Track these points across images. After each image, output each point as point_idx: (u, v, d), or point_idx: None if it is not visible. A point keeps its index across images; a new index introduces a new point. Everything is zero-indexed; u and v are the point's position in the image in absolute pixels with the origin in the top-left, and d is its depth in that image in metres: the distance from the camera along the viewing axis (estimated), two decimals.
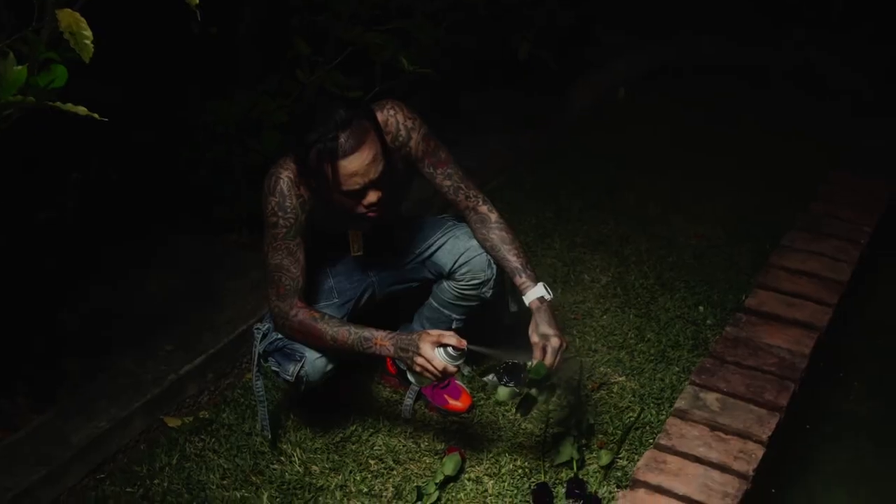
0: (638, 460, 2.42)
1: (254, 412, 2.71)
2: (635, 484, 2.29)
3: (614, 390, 2.87)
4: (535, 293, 2.40)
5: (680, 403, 2.53)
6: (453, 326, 2.65)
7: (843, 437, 2.80)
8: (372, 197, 2.20)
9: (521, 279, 2.42)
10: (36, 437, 2.52)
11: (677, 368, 2.96)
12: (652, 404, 2.81)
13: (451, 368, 2.22)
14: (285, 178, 2.26)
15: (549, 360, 2.31)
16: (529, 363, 2.35)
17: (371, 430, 2.69)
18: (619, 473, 2.55)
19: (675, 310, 3.25)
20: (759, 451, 2.36)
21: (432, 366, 2.20)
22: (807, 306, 2.91)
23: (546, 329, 2.36)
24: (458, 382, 2.81)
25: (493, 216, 2.49)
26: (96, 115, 1.93)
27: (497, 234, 2.47)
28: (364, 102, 2.33)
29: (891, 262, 3.54)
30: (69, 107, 1.93)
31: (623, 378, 2.92)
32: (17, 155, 2.69)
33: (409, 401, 2.75)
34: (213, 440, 2.65)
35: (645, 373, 2.94)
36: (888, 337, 3.18)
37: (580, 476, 2.51)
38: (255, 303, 3.06)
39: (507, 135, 4.28)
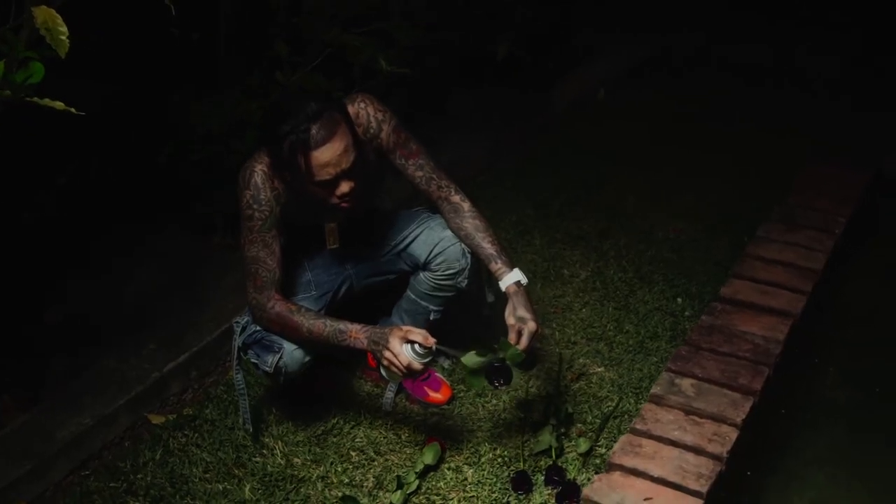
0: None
1: (236, 408, 2.74)
2: (611, 467, 2.32)
3: (593, 380, 2.91)
4: (511, 278, 2.44)
5: (656, 389, 2.57)
6: (431, 318, 2.69)
7: (819, 422, 2.83)
8: (344, 187, 2.23)
9: (497, 265, 2.46)
10: (21, 434, 2.56)
11: (655, 359, 2.99)
12: (630, 394, 2.84)
13: (416, 365, 2.25)
14: (259, 171, 2.30)
15: (523, 343, 2.35)
16: (501, 340, 2.37)
17: (352, 422, 2.73)
18: (597, 461, 2.58)
19: (653, 302, 3.29)
20: (733, 434, 2.39)
21: (398, 361, 2.24)
22: (781, 294, 2.96)
23: (523, 313, 2.40)
24: (438, 375, 2.85)
25: (466, 205, 2.53)
26: (73, 110, 1.98)
27: (471, 223, 2.51)
28: (334, 96, 2.37)
29: (865, 252, 3.58)
30: (46, 101, 1.97)
31: (602, 369, 2.96)
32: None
33: (390, 394, 2.78)
34: (196, 435, 2.68)
35: (623, 363, 2.98)
36: (861, 325, 3.21)
37: (559, 464, 2.55)
38: (238, 301, 3.08)
39: (492, 132, 4.32)
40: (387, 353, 2.24)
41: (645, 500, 2.21)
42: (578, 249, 3.62)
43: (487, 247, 2.49)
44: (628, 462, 2.32)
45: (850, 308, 3.31)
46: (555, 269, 3.48)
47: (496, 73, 4.31)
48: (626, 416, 2.76)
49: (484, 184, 4.02)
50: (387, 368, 2.32)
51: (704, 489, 2.22)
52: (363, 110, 2.37)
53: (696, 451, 2.34)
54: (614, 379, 2.91)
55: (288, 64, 3.23)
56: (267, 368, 2.40)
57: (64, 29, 1.88)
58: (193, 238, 3.44)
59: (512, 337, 2.38)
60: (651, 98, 4.85)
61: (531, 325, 2.38)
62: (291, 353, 2.40)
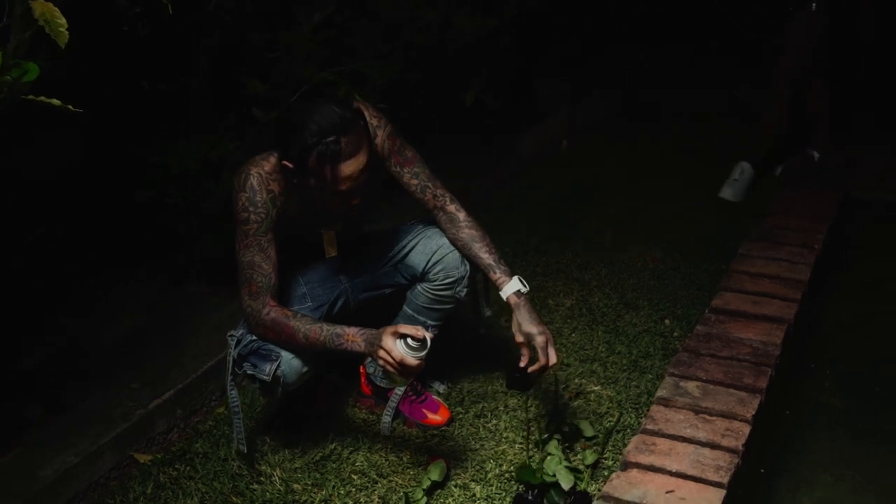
0: (612, 473, 2.38)
1: (228, 441, 2.64)
2: (627, 465, 2.27)
3: (591, 398, 2.86)
4: (511, 287, 2.41)
5: (661, 392, 2.53)
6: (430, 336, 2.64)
7: (821, 425, 2.82)
8: (360, 195, 2.24)
9: (496, 275, 2.43)
10: (3, 473, 2.42)
11: (651, 376, 2.96)
12: (630, 409, 2.79)
13: (410, 360, 2.16)
14: (255, 173, 2.27)
15: (542, 360, 2.33)
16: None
17: (350, 448, 2.63)
18: (605, 472, 2.51)
19: (641, 325, 3.28)
20: (746, 429, 2.36)
21: (391, 357, 2.16)
22: (772, 303, 2.97)
23: (528, 327, 2.37)
24: (435, 397, 2.78)
25: (462, 214, 2.51)
26: (70, 107, 1.93)
27: (467, 233, 2.49)
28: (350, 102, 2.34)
29: (842, 267, 3.63)
30: (42, 99, 1.93)
31: (599, 387, 2.91)
32: None
33: (387, 418, 2.70)
34: (187, 468, 2.56)
35: (620, 381, 2.94)
36: (851, 333, 3.24)
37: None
38: (221, 339, 2.97)
39: (461, 178, 4.33)
40: (380, 353, 2.17)
41: (667, 492, 2.14)
42: (560, 281, 3.60)
43: (485, 256, 2.47)
44: (644, 460, 2.26)
45: (837, 318, 3.33)
46: (539, 298, 3.45)
47: (465, 119, 4.35)
48: (628, 431, 2.70)
49: None
50: (384, 370, 2.23)
51: (725, 480, 2.17)
52: None
53: (712, 445, 2.30)
54: (612, 396, 2.86)
55: (265, 101, 3.21)
56: (265, 377, 2.31)
57: (63, 21, 1.85)
58: (171, 284, 3.35)
59: (523, 359, 2.38)
60: (615, 144, 4.93)
61: (540, 340, 2.35)
62: (290, 361, 2.32)
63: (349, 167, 2.16)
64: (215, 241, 3.27)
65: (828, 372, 3.04)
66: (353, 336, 2.23)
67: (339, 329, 2.24)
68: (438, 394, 2.86)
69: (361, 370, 2.82)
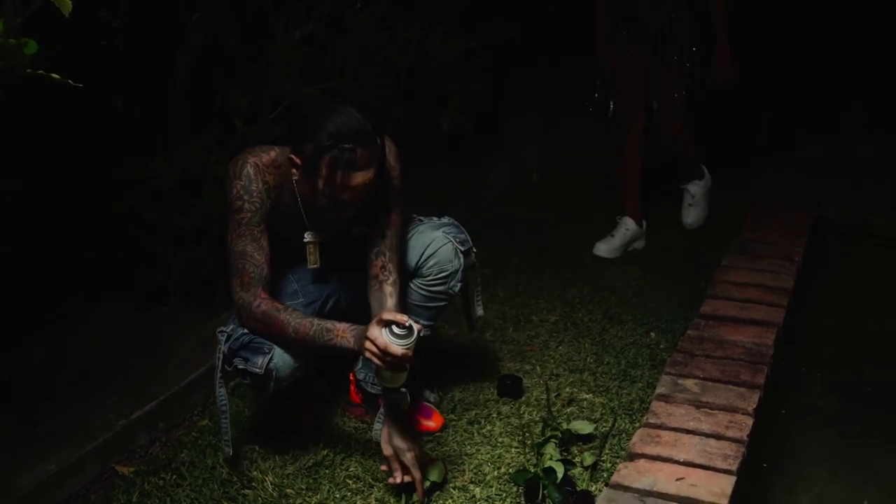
0: (619, 463, 2.34)
1: (215, 450, 2.55)
2: (633, 456, 2.23)
3: (584, 405, 2.82)
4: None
5: (660, 390, 2.51)
6: (422, 334, 2.57)
7: (812, 424, 2.80)
8: (354, 210, 2.21)
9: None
10: None
11: (641, 384, 2.93)
12: (623, 415, 2.75)
13: (395, 349, 2.06)
14: (252, 163, 2.23)
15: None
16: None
17: (343, 454, 2.55)
18: (604, 474, 2.46)
19: (627, 338, 3.26)
20: (748, 421, 2.34)
21: (376, 346, 2.07)
22: (760, 308, 2.98)
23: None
24: (426, 404, 2.72)
25: (393, 299, 2.37)
26: (70, 81, 1.88)
27: (384, 296, 2.37)
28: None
29: (819, 279, 3.67)
30: (42, 73, 1.87)
31: (590, 395, 2.88)
32: None
33: (378, 424, 2.61)
34: (174, 476, 2.46)
35: (611, 389, 2.90)
36: (834, 340, 3.25)
37: (567, 475, 2.42)
38: (202, 353, 2.92)
39: (433, 206, 4.31)
40: (367, 343, 2.08)
41: (678, 479, 2.10)
42: (543, 299, 3.58)
43: (391, 301, 2.36)
44: (650, 451, 2.23)
45: (818, 327, 3.33)
46: (523, 315, 3.43)
47: (440, 143, 4.35)
48: (623, 436, 2.66)
49: None
50: (373, 364, 2.13)
51: (734, 467, 2.14)
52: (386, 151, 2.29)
53: (717, 437, 2.28)
54: (605, 403, 2.83)
55: (245, 113, 3.18)
56: (257, 370, 2.24)
57: None
58: (146, 304, 3.25)
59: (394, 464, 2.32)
60: (586, 173, 4.94)
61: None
62: (282, 354, 2.26)
63: (358, 178, 2.12)
64: (189, 263, 3.21)
65: (819, 374, 3.03)
66: (342, 332, 2.16)
67: (329, 324, 2.18)
68: (429, 402, 2.79)
69: (351, 377, 2.75)
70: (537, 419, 2.73)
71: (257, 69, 3.24)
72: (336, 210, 2.22)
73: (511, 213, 4.46)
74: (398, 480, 2.28)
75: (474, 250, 2.58)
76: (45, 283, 3.04)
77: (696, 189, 4.23)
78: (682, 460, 2.17)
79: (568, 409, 2.79)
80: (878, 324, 3.37)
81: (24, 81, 1.87)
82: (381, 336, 2.07)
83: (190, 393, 2.82)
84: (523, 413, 2.77)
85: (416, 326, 2.11)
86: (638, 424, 2.64)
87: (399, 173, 2.39)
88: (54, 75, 1.87)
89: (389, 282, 2.37)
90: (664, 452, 2.21)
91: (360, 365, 2.71)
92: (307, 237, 2.38)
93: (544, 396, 2.80)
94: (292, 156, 2.19)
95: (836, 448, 2.71)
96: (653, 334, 3.28)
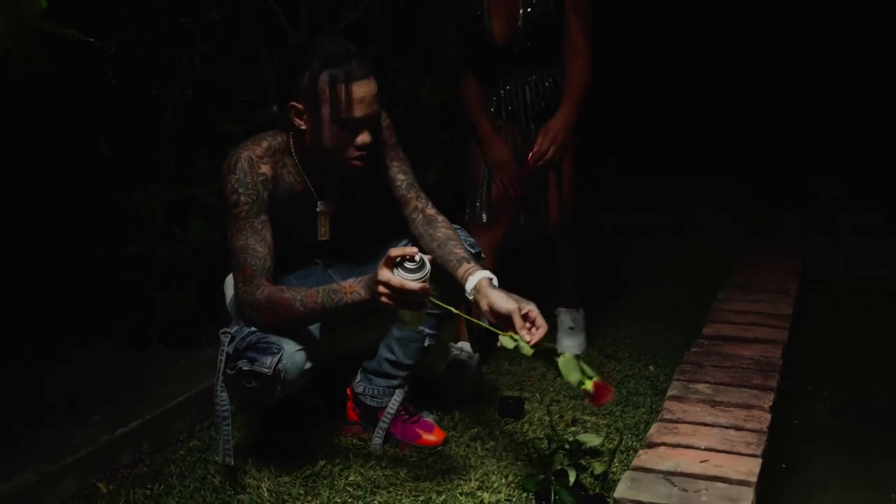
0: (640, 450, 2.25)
1: (205, 463, 2.41)
2: (652, 445, 2.12)
3: (588, 426, 2.72)
4: (481, 275, 2.17)
5: (672, 392, 2.43)
6: (426, 344, 2.53)
7: (818, 440, 2.72)
8: (366, 137, 2.17)
9: (470, 265, 2.21)
10: None
11: (644, 409, 2.84)
12: (629, 435, 2.66)
13: (411, 284, 1.95)
14: (245, 156, 2.21)
15: (540, 327, 2.14)
16: (508, 340, 2.14)
17: (342, 465, 2.42)
18: (615, 484, 2.34)
19: (626, 371, 3.19)
20: (766, 416, 2.26)
21: (391, 287, 1.96)
22: (762, 329, 2.92)
23: (510, 302, 2.11)
24: (427, 419, 2.61)
25: (441, 217, 2.39)
26: (82, 37, 1.85)
27: (444, 232, 2.34)
28: None
29: (809, 315, 3.65)
30: (54, 27, 1.84)
31: (594, 418, 2.78)
32: None
33: (377, 440, 2.51)
34: (162, 486, 2.31)
35: (615, 413, 2.81)
36: (835, 365, 3.24)
37: (579, 480, 2.31)
38: (189, 382, 2.80)
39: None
40: (380, 288, 1.98)
41: (702, 461, 2.00)
42: None
43: (459, 251, 2.27)
44: (670, 440, 2.13)
45: (820, 352, 3.30)
46: (514, 352, 3.33)
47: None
48: (630, 452, 2.56)
49: None
50: (390, 308, 2.01)
51: (759, 452, 2.05)
52: None
53: (736, 428, 2.19)
54: (609, 424, 2.74)
55: (238, 141, 3.14)
56: (265, 370, 2.11)
57: None
58: (130, 346, 3.12)
59: (517, 322, 2.09)
60: None
61: (527, 306, 2.12)
62: (292, 354, 2.15)
63: (362, 88, 2.13)
64: (175, 307, 3.11)
65: (826, 392, 3.00)
66: (350, 287, 2.08)
67: (334, 285, 2.10)
68: (430, 413, 2.69)
69: (348, 392, 2.65)
70: (542, 436, 2.62)
71: (250, 100, 3.23)
72: (349, 136, 2.16)
73: (500, 265, 4.40)
74: (535, 339, 2.12)
75: (483, 256, 2.52)
76: (29, 318, 2.92)
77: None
78: (703, 447, 2.08)
79: (572, 429, 2.69)
80: (875, 350, 3.36)
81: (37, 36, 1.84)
82: (393, 276, 1.97)
83: (175, 417, 2.68)
84: (527, 431, 2.67)
85: (426, 257, 2.02)
86: (642, 446, 2.55)
87: (387, 115, 2.40)
88: (69, 30, 1.84)
89: (430, 205, 2.40)
90: (684, 441, 2.11)
91: (358, 379, 2.62)
92: (319, 206, 2.35)
93: (547, 418, 2.71)
94: (294, 103, 2.17)
95: (847, 461, 2.63)
96: (651, 367, 3.22)
